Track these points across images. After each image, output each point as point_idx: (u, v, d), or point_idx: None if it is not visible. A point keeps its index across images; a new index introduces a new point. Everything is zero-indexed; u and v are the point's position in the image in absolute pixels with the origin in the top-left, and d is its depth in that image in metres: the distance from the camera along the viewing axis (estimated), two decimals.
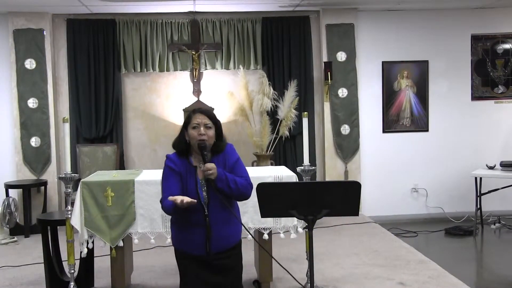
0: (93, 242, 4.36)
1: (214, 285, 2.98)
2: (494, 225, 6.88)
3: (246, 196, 3.02)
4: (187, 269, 3.00)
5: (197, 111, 2.98)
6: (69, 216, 4.25)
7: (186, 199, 2.73)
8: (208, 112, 3.01)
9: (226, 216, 2.98)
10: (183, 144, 2.98)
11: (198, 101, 7.18)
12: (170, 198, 2.77)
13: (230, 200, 3.02)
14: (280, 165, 6.89)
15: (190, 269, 2.98)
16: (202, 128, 2.91)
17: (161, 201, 3.00)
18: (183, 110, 7.01)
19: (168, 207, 2.87)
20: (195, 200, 2.79)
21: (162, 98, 7.41)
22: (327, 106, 7.31)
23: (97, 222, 4.23)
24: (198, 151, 2.94)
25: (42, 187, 6.90)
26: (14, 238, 6.44)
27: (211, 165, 2.86)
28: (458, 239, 6.47)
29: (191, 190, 2.92)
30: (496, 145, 7.52)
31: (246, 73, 7.16)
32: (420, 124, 7.52)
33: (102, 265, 4.99)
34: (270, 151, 7.12)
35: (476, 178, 6.70)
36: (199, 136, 2.90)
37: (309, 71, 7.40)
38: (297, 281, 3.97)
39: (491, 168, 6.77)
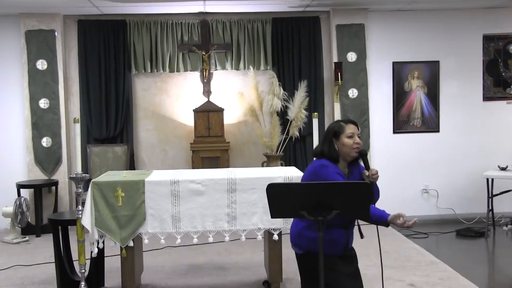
0: (103, 242, 4.37)
1: (357, 278, 3.16)
2: (506, 226, 6.82)
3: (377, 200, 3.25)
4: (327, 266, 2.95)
5: (348, 122, 3.13)
6: (80, 216, 4.28)
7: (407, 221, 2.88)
8: (356, 123, 3.18)
9: None
10: (334, 152, 3.06)
11: (208, 101, 7.19)
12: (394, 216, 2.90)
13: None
14: (290, 165, 6.88)
15: (329, 263, 2.96)
16: (356, 137, 3.07)
17: None
18: (193, 110, 7.03)
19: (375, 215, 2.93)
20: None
21: (172, 99, 7.43)
22: (337, 106, 7.28)
23: (108, 222, 4.24)
24: (347, 159, 3.08)
25: (53, 187, 6.95)
26: (25, 237, 6.49)
27: (376, 170, 3.07)
28: (469, 241, 6.42)
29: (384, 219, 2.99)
30: (508, 146, 7.46)
31: (256, 74, 7.17)
32: (431, 124, 7.48)
33: (113, 265, 5.02)
34: (280, 151, 7.11)
35: (487, 179, 6.65)
36: (355, 145, 3.04)
37: (319, 71, 7.39)
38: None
39: (503, 169, 6.72)
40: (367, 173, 3.05)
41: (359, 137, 3.09)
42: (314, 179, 3.01)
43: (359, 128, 3.15)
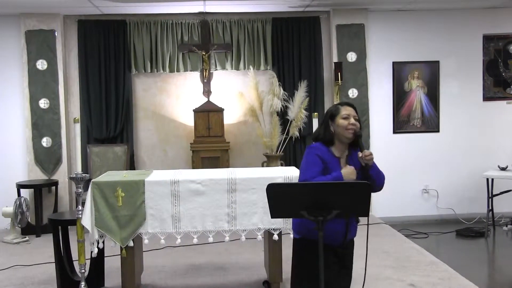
0: (103, 242, 4.37)
1: (344, 274, 3.16)
2: (506, 226, 6.82)
3: (382, 187, 3.21)
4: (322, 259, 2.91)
5: (345, 104, 3.12)
6: (80, 216, 4.27)
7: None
8: (354, 106, 3.14)
9: None
10: (329, 135, 3.05)
11: (208, 101, 7.19)
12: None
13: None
14: (290, 165, 6.89)
15: (324, 258, 2.89)
16: (352, 119, 3.04)
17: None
18: (193, 110, 7.03)
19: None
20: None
21: (172, 99, 7.43)
22: None
23: (108, 222, 4.24)
24: (344, 141, 3.05)
25: (53, 187, 6.95)
26: (25, 237, 6.49)
27: (370, 151, 3.03)
28: (469, 241, 6.42)
29: (339, 179, 2.97)
30: (508, 146, 7.46)
31: (256, 74, 7.16)
32: (431, 124, 7.48)
33: (113, 265, 5.02)
34: (280, 151, 7.11)
35: (487, 179, 6.65)
36: (350, 126, 3.01)
37: (319, 71, 7.39)
38: None
39: (503, 169, 6.72)
40: (360, 154, 3.02)
41: (357, 120, 3.06)
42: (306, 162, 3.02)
43: (357, 112, 3.12)
